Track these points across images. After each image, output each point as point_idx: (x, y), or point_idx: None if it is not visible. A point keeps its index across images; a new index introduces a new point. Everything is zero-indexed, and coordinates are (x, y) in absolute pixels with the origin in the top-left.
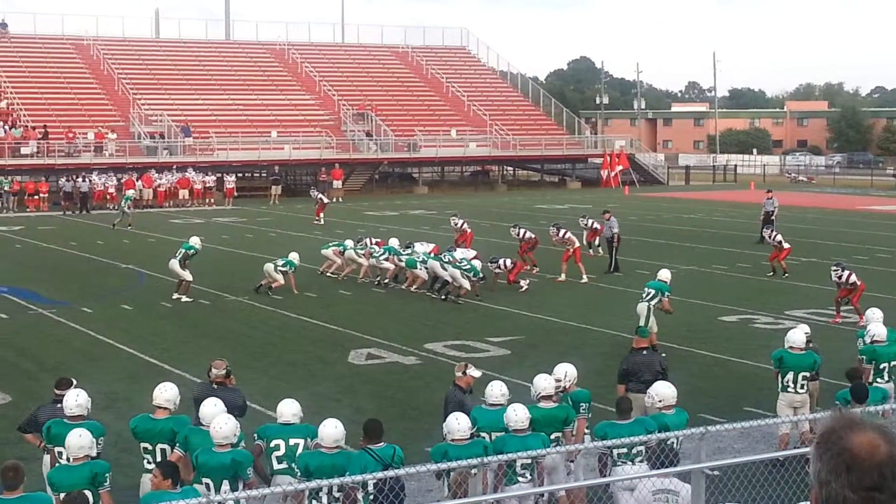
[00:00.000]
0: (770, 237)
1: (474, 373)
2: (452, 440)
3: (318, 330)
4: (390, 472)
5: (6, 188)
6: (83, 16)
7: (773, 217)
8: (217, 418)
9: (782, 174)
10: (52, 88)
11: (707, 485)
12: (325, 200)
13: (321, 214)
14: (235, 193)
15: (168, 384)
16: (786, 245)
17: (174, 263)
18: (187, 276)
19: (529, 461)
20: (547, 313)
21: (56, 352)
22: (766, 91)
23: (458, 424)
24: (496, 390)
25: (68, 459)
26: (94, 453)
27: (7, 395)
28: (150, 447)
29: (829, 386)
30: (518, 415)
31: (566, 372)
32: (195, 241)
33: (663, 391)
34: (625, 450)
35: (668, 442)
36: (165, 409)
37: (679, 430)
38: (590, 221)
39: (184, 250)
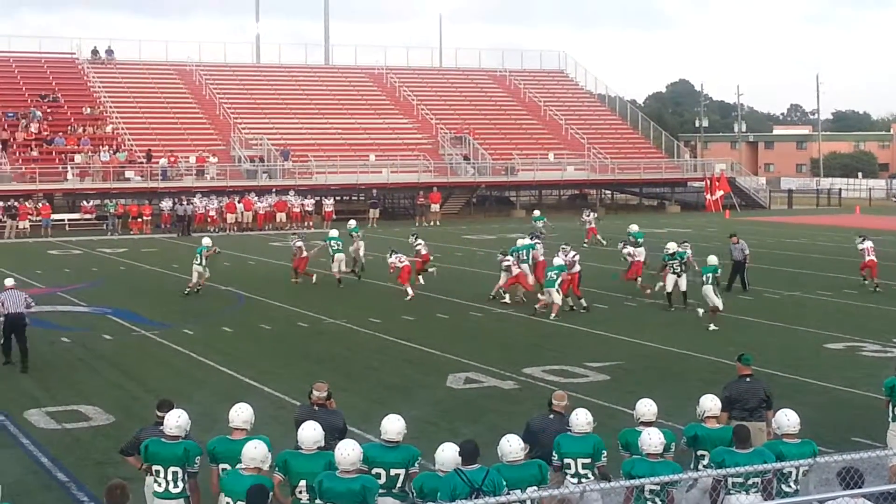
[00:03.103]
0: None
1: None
2: (508, 462)
3: (417, 353)
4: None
5: (111, 211)
6: (186, 42)
7: (745, 262)
8: (343, 444)
9: (888, 198)
10: (156, 113)
11: None
12: (305, 253)
13: (302, 271)
14: (334, 217)
15: (244, 405)
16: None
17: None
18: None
19: (659, 487)
20: (646, 338)
21: (158, 373)
22: (872, 113)
23: (509, 446)
24: (581, 419)
25: (183, 477)
26: (266, 466)
27: (111, 415)
28: (229, 468)
29: None
30: (652, 439)
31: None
32: (206, 242)
33: (779, 419)
34: (740, 479)
35: (786, 472)
36: (243, 429)
37: (794, 461)
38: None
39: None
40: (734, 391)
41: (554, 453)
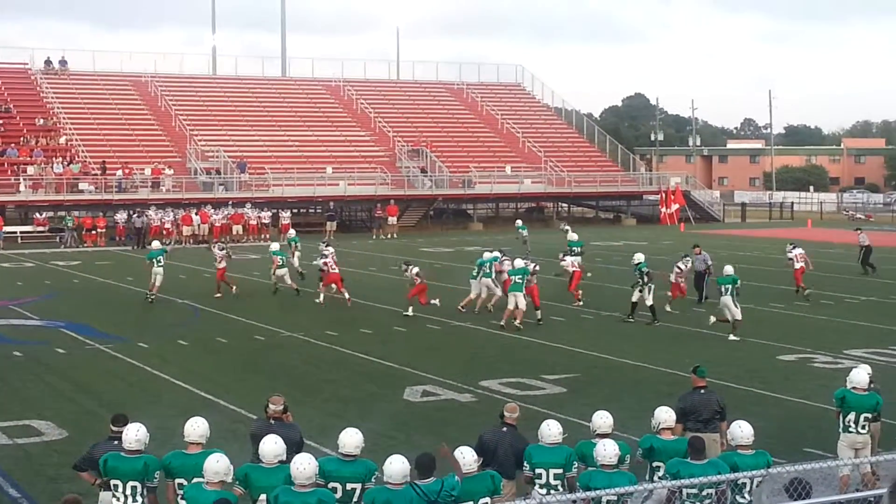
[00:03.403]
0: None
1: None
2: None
3: (374, 366)
4: None
5: (69, 224)
6: (142, 53)
7: (706, 273)
8: (299, 458)
9: (839, 212)
10: (110, 125)
11: None
12: (224, 264)
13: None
14: (291, 229)
15: (200, 419)
16: None
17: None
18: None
19: (616, 497)
20: (603, 350)
21: (112, 387)
22: (823, 128)
23: (463, 458)
24: (554, 430)
25: (142, 492)
26: (229, 479)
27: (64, 430)
28: (185, 482)
29: (890, 427)
30: (608, 450)
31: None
32: (157, 245)
33: (733, 430)
34: (695, 490)
35: (740, 483)
36: (199, 444)
37: (748, 471)
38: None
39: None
40: (688, 403)
41: (525, 464)
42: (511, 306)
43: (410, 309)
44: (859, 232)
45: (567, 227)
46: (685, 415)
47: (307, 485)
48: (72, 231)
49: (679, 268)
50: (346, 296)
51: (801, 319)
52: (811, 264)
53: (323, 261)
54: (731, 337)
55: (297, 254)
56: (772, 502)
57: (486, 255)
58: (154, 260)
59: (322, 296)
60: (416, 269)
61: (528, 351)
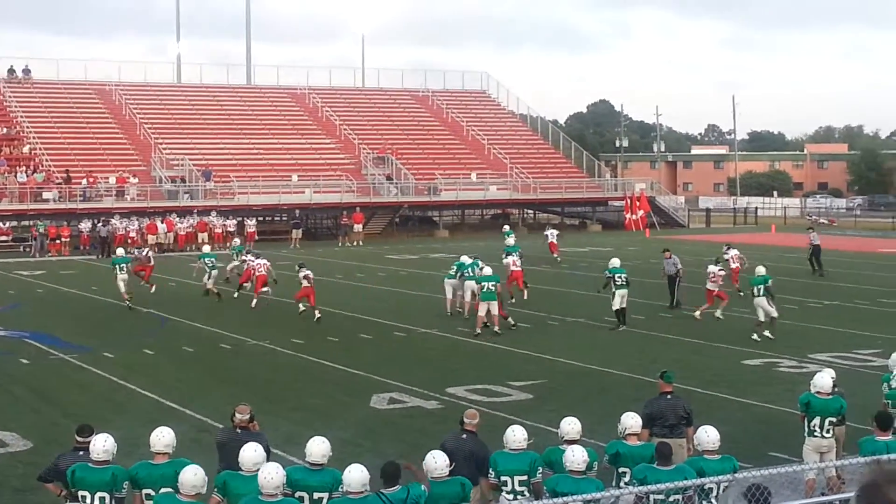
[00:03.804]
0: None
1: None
2: (433, 478)
3: (340, 374)
4: None
5: (42, 231)
6: (106, 61)
7: (678, 277)
8: (267, 468)
9: (803, 216)
10: (74, 133)
11: None
12: (152, 262)
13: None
14: (256, 237)
15: (166, 429)
16: None
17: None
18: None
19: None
20: (569, 357)
21: (78, 397)
22: (786, 134)
23: (435, 462)
24: (518, 435)
25: (109, 503)
26: (204, 491)
27: (28, 441)
28: (152, 493)
29: (854, 431)
30: (576, 456)
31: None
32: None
33: (700, 436)
34: (662, 496)
35: (706, 488)
36: (165, 454)
37: (714, 476)
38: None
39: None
40: (654, 408)
41: (491, 470)
42: (482, 313)
43: (301, 305)
44: (811, 231)
45: (509, 231)
46: (651, 420)
47: (274, 494)
48: (43, 238)
49: (714, 272)
50: (317, 314)
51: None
52: (745, 262)
53: (304, 274)
54: (767, 334)
55: (234, 263)
56: None
57: (466, 259)
58: (118, 266)
59: (255, 300)
60: (305, 273)
61: (494, 357)
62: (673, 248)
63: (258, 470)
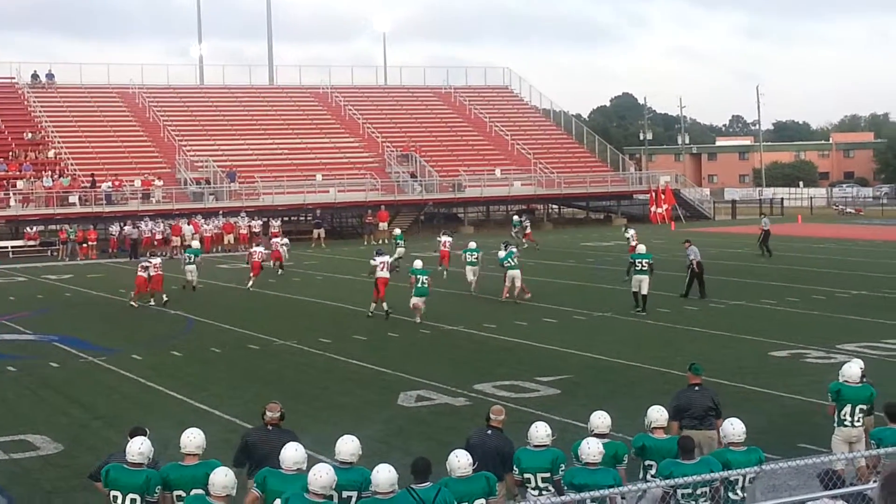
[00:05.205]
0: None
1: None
2: (457, 476)
3: (367, 373)
4: None
5: (72, 237)
6: (128, 65)
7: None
8: (319, 467)
9: (829, 206)
10: (99, 137)
11: None
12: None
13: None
14: (281, 237)
15: (196, 430)
16: None
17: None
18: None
19: (598, 495)
20: (596, 351)
21: (107, 400)
22: (811, 123)
23: (458, 461)
24: (541, 431)
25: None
26: (234, 493)
27: (59, 444)
28: (183, 494)
29: (879, 420)
30: (591, 448)
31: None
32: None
33: (725, 428)
34: (689, 489)
35: (732, 479)
36: (195, 455)
37: (741, 469)
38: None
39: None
40: (683, 400)
41: (514, 468)
42: (411, 305)
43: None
44: (763, 216)
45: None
46: (679, 412)
47: (320, 493)
48: (74, 242)
49: None
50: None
51: (794, 315)
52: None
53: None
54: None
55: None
56: (767, 499)
57: (472, 245)
58: (188, 257)
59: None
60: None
61: (521, 353)
62: (699, 241)
63: (298, 470)
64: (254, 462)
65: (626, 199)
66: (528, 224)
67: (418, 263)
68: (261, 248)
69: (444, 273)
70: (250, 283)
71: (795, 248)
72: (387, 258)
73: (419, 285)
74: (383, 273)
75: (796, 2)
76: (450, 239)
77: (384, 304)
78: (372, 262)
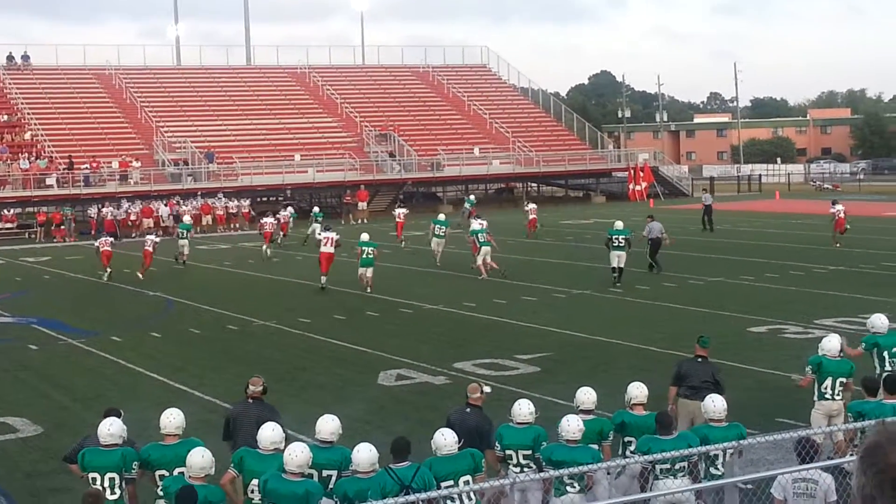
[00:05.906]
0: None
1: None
2: (443, 455)
3: (347, 352)
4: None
5: (69, 214)
6: (104, 46)
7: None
8: (294, 446)
9: (807, 182)
10: (76, 119)
11: (741, 498)
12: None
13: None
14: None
15: (175, 410)
16: None
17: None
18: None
19: (577, 472)
20: (574, 329)
21: (86, 382)
22: (789, 100)
23: (444, 439)
24: (524, 409)
25: (121, 484)
26: (213, 472)
27: (39, 426)
28: (166, 473)
29: (857, 395)
30: (571, 425)
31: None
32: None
33: (706, 404)
34: (667, 465)
35: (712, 455)
36: (175, 435)
37: (719, 444)
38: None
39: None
40: (684, 369)
41: (496, 444)
42: (359, 275)
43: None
44: (704, 192)
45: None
46: (679, 379)
47: (297, 473)
48: (70, 221)
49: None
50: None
51: (771, 291)
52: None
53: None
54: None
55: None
56: (745, 472)
57: (441, 217)
58: (182, 231)
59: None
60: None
61: (500, 331)
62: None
63: (275, 450)
64: (238, 438)
65: (605, 176)
66: (475, 202)
67: (365, 236)
68: (270, 219)
69: (403, 244)
70: (268, 249)
71: (773, 225)
72: (332, 234)
73: (364, 256)
74: (327, 248)
75: None
76: (405, 211)
77: (322, 278)
78: (317, 235)
